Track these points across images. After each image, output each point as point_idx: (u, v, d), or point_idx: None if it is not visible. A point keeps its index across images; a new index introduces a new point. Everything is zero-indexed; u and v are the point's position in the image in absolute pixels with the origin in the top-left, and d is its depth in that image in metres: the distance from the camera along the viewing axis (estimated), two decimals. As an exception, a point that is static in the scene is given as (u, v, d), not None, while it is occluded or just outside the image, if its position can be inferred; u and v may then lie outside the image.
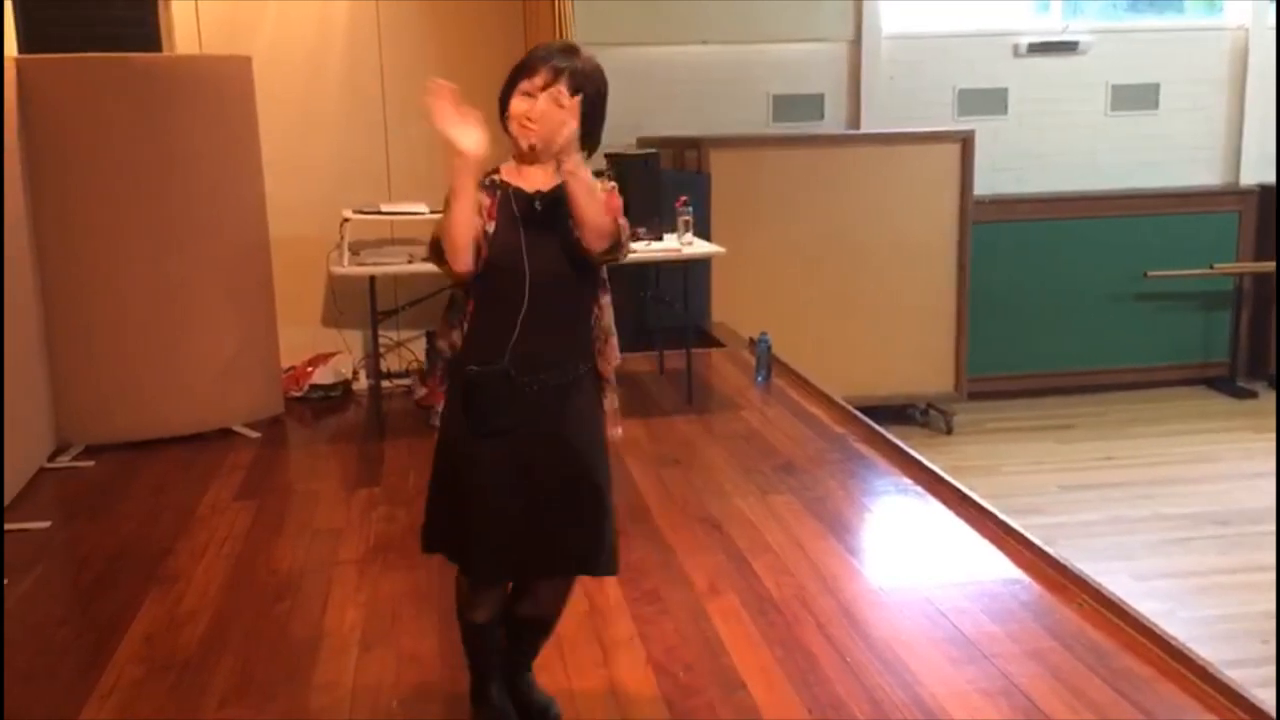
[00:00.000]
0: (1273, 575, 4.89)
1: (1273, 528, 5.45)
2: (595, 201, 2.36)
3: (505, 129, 2.48)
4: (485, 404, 2.43)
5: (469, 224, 2.35)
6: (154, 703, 2.90)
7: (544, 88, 2.39)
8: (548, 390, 2.44)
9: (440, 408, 2.58)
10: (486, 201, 2.43)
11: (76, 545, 4.03)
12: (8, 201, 4.51)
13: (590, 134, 2.43)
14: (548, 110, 2.38)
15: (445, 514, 2.53)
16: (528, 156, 2.45)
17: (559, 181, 2.39)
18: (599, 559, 2.56)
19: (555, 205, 2.41)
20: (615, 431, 2.62)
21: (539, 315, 2.41)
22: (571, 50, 2.47)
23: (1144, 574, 5.20)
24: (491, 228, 2.41)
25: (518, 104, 2.42)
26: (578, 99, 2.36)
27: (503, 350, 2.41)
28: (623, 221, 2.44)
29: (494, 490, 2.44)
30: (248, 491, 4.49)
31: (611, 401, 2.61)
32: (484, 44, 5.87)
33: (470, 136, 2.31)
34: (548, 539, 2.48)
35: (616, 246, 2.43)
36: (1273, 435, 6.85)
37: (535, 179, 2.47)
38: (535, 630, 2.71)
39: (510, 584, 2.62)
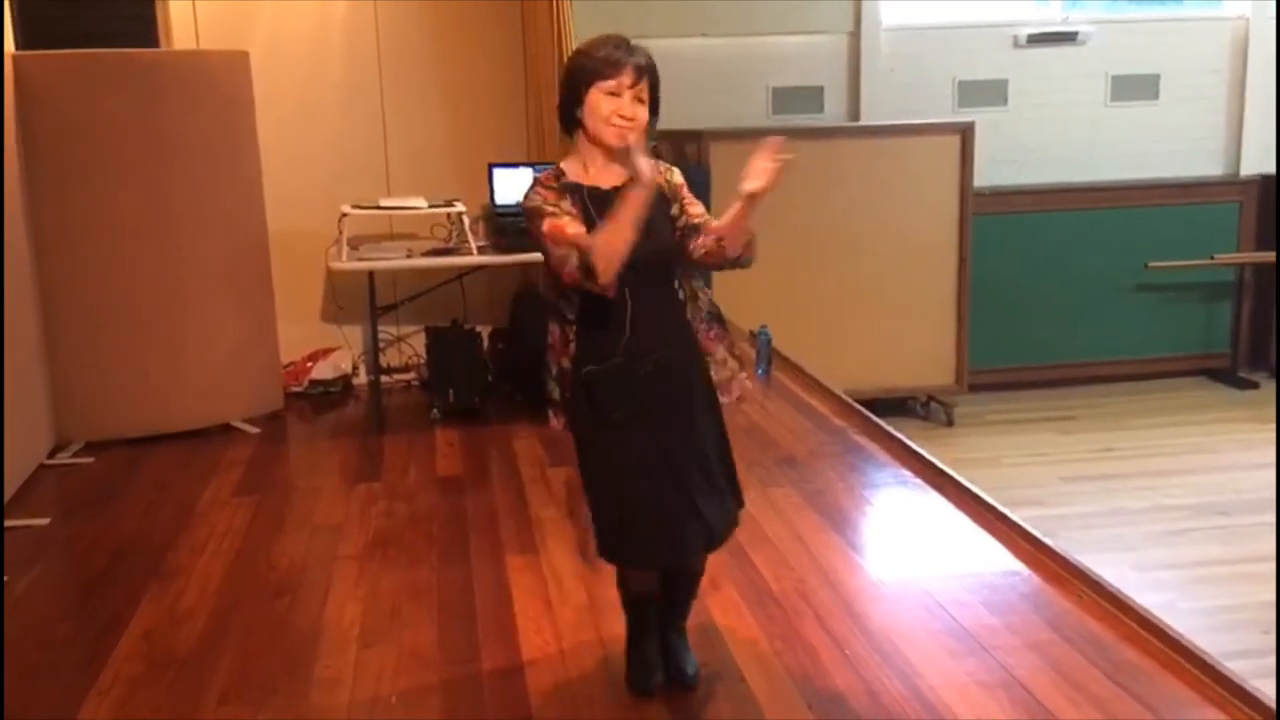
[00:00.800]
0: (1273, 565, 4.89)
1: (1273, 518, 5.44)
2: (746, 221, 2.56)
3: (568, 126, 2.59)
4: (605, 397, 2.53)
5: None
6: (153, 699, 2.90)
7: (631, 86, 2.49)
8: (658, 371, 2.56)
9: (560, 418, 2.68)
10: (570, 206, 2.51)
11: (76, 542, 4.04)
12: (7, 196, 4.51)
13: (652, 125, 2.58)
14: (639, 109, 2.50)
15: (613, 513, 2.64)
16: (609, 155, 2.54)
17: (628, 176, 2.44)
18: (734, 519, 2.75)
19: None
20: (745, 384, 2.80)
21: (642, 306, 2.55)
22: (633, 44, 2.56)
23: (1145, 565, 5.19)
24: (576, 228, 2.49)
25: (608, 103, 2.49)
26: (647, 87, 2.52)
27: (617, 345, 2.54)
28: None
29: (642, 476, 2.58)
30: (247, 487, 4.49)
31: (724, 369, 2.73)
32: (482, 38, 5.87)
33: (648, 166, 2.42)
34: (698, 515, 2.61)
35: (750, 246, 2.64)
36: (1274, 426, 6.84)
37: (610, 176, 2.56)
38: (688, 585, 2.86)
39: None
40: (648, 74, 2.52)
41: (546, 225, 2.48)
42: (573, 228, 2.46)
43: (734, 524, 2.76)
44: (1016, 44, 7.97)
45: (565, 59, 5.00)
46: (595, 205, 2.52)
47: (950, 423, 7.50)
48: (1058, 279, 7.96)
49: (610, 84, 2.48)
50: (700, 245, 2.60)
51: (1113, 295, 8.04)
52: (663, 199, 2.60)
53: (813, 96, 7.84)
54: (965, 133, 7.22)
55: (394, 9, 5.80)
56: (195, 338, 5.08)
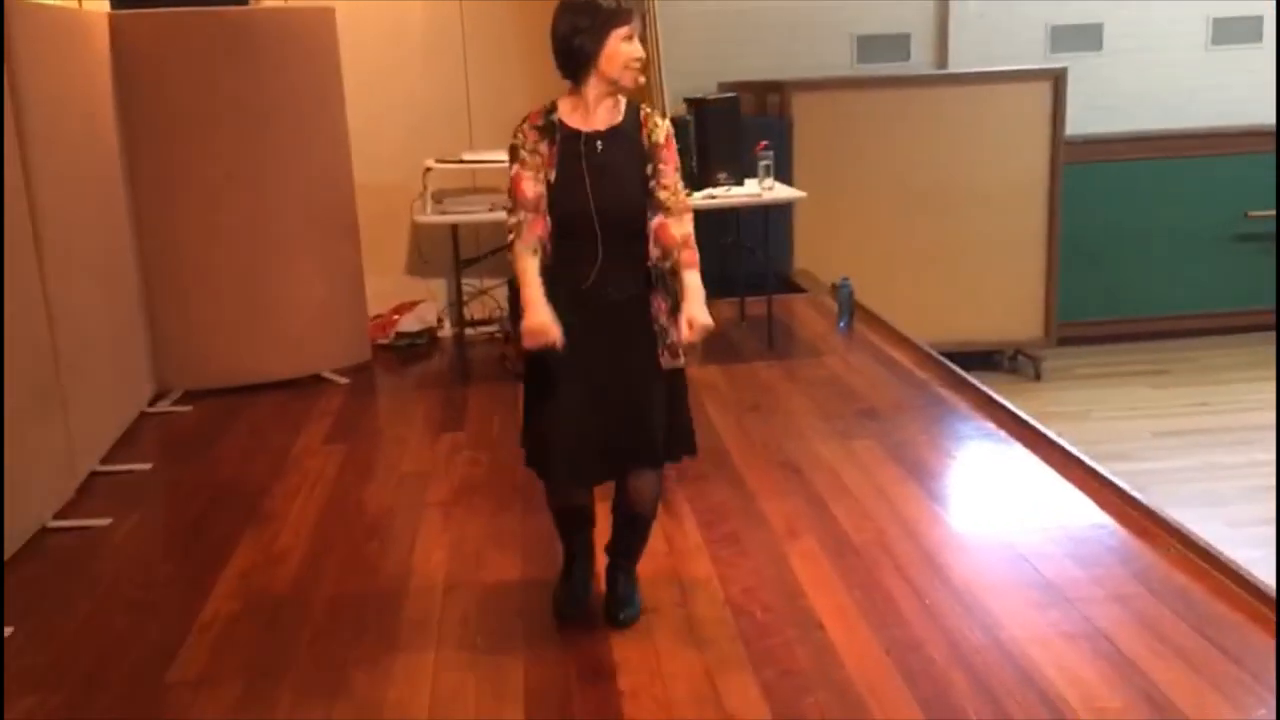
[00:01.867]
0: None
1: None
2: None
3: (581, 70, 2.71)
4: (560, 313, 2.71)
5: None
6: (251, 635, 3.02)
7: (637, 33, 2.69)
8: (610, 304, 2.75)
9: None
10: (545, 149, 2.72)
11: (176, 486, 4.19)
12: (105, 153, 4.65)
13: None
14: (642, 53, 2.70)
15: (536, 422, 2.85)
16: (605, 94, 2.73)
17: (617, 119, 2.73)
18: (653, 451, 2.83)
19: (613, 142, 2.74)
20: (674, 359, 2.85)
21: (610, 247, 2.72)
22: None
23: (1238, 520, 5.07)
24: (554, 175, 2.72)
25: (628, 48, 2.67)
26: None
27: (584, 278, 2.73)
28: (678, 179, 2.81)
29: (566, 398, 2.75)
30: (338, 435, 4.61)
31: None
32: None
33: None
34: (606, 447, 2.78)
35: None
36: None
37: (598, 118, 2.75)
38: (636, 524, 2.97)
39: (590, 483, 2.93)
40: (638, 20, 2.73)
41: (513, 171, 2.74)
42: (530, 188, 2.71)
43: (655, 461, 2.85)
44: (1112, -14, 7.73)
45: (647, 13, 4.93)
46: (566, 145, 2.72)
47: (1038, 376, 7.39)
48: (1152, 229, 7.75)
49: (625, 30, 2.66)
50: (652, 230, 2.77)
51: (1209, 245, 7.81)
52: (640, 153, 2.76)
53: (899, 44, 7.70)
54: (1058, 79, 7.03)
55: (476, -37, 5.82)
56: (286, 290, 5.20)
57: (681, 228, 2.77)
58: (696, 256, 2.77)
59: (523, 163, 2.72)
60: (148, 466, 4.31)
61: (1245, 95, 7.84)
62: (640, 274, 2.78)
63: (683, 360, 2.85)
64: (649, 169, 2.75)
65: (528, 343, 2.70)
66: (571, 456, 2.77)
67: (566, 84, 2.78)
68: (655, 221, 2.75)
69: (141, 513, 3.91)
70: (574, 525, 3.00)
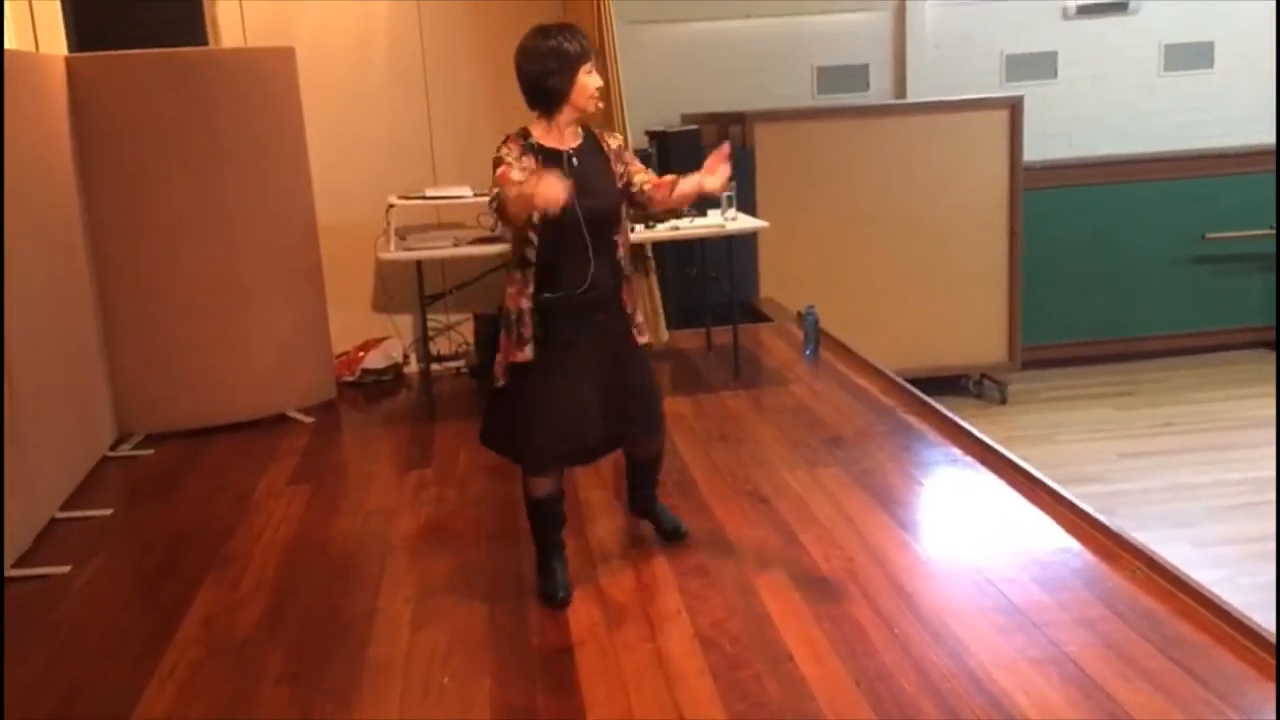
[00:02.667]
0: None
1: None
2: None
3: (555, 103, 3.12)
4: (556, 321, 3.12)
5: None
6: (213, 681, 2.97)
7: (594, 66, 3.14)
8: (597, 301, 3.16)
9: (508, 360, 3.20)
10: (530, 163, 3.06)
11: (138, 531, 4.13)
12: (62, 196, 4.62)
13: None
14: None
15: (509, 418, 3.22)
16: (575, 121, 3.17)
17: (579, 139, 3.19)
18: (660, 414, 3.41)
19: (585, 156, 3.17)
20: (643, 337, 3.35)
21: (598, 249, 3.13)
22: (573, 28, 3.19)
23: (1205, 541, 5.12)
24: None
25: (590, 80, 3.11)
26: None
27: (580, 283, 3.11)
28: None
29: (579, 383, 3.16)
30: (303, 475, 4.57)
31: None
32: (524, 26, 5.84)
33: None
34: (627, 404, 3.27)
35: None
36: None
37: (568, 139, 3.18)
38: (647, 465, 3.53)
39: (562, 471, 3.33)
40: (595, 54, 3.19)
41: (499, 170, 3.05)
42: (516, 175, 3.00)
43: (655, 430, 3.41)
44: (1065, 15, 7.87)
45: (606, 44, 5.02)
46: (549, 161, 3.08)
47: (1004, 400, 7.44)
48: (1112, 252, 7.85)
49: (587, 65, 3.11)
50: (649, 192, 3.26)
51: (1169, 268, 7.92)
52: (607, 163, 3.23)
53: (858, 75, 7.80)
54: (1014, 107, 7.13)
55: (436, 2, 5.83)
56: (250, 330, 5.17)
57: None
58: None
59: (509, 164, 3.06)
60: (108, 512, 4.25)
61: (1198, 119, 7.98)
62: (615, 270, 3.21)
63: (645, 337, 3.33)
64: (620, 171, 3.24)
65: (547, 203, 2.83)
66: (566, 442, 3.19)
67: (526, 116, 3.16)
68: (649, 191, 3.25)
69: (102, 559, 3.85)
70: (552, 518, 3.32)
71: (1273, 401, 7.04)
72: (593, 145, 3.23)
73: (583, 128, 3.22)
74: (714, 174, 3.14)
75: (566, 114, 3.13)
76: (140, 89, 4.85)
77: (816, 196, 7.03)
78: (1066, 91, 7.88)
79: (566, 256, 3.11)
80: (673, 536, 3.58)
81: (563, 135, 3.17)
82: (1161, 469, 6.09)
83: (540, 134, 3.15)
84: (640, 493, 3.63)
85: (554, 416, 3.16)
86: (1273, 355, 7.98)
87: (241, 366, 5.17)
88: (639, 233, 5.30)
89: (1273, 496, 5.53)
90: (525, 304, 3.13)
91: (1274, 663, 2.70)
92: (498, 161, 3.08)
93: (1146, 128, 7.97)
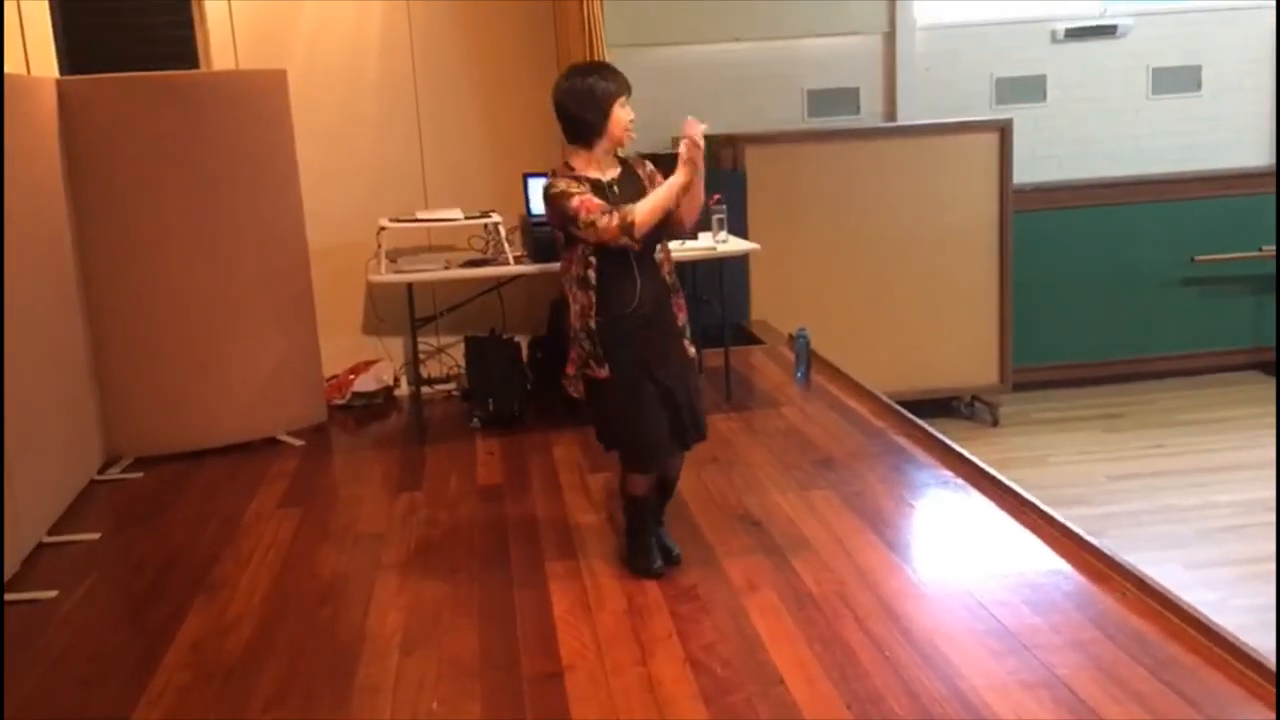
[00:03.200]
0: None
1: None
2: (702, 198, 3.43)
3: (593, 136, 3.38)
4: (617, 340, 3.39)
5: None
6: (201, 707, 2.95)
7: (628, 100, 3.39)
8: (647, 317, 3.41)
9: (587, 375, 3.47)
10: (592, 193, 3.33)
11: (126, 555, 4.11)
12: (52, 219, 4.61)
13: None
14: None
15: (617, 421, 3.48)
16: (609, 151, 3.43)
17: (617, 169, 3.47)
18: (704, 419, 3.59)
19: (624, 183, 3.44)
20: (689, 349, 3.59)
21: (644, 268, 3.41)
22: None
23: (1196, 563, 5.12)
24: (593, 209, 3.30)
25: (624, 113, 3.37)
26: None
27: (630, 302, 3.38)
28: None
29: (648, 391, 3.41)
30: (292, 499, 4.55)
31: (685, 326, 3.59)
32: (515, 50, 5.91)
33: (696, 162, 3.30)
34: (683, 410, 3.48)
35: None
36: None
37: (606, 169, 3.45)
38: (669, 488, 3.73)
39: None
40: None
41: (577, 201, 3.29)
42: (595, 201, 3.29)
43: (701, 437, 3.59)
44: (1054, 39, 7.92)
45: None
46: (597, 192, 3.35)
47: (995, 422, 7.44)
48: (1102, 275, 7.87)
49: (623, 98, 3.36)
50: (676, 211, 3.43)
51: (1159, 290, 7.94)
52: (641, 187, 3.44)
53: (848, 98, 7.83)
54: (1003, 129, 7.16)
55: (429, 25, 5.86)
56: (239, 353, 5.16)
57: None
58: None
59: (581, 193, 3.31)
60: (96, 536, 4.22)
61: (1186, 142, 8.03)
62: (662, 286, 3.47)
63: (693, 351, 3.57)
64: None
65: (694, 132, 3.23)
66: (662, 442, 3.47)
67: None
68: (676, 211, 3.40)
69: (90, 584, 3.83)
70: (649, 502, 3.60)
71: (1264, 423, 7.06)
72: (629, 172, 3.49)
73: (617, 157, 3.49)
74: (683, 164, 3.28)
75: (603, 146, 3.40)
76: (131, 111, 4.86)
77: (808, 219, 7.05)
78: (1056, 114, 7.93)
79: (618, 277, 3.38)
80: (666, 557, 3.62)
81: (601, 166, 3.43)
82: (1152, 491, 6.09)
83: (581, 165, 3.42)
84: (660, 510, 3.76)
85: (646, 423, 3.42)
86: (1263, 377, 8.01)
87: (231, 389, 5.15)
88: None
89: (1263, 519, 5.55)
90: (593, 323, 3.38)
91: (1270, 687, 2.69)
92: (564, 195, 3.31)
93: (1135, 150, 8.02)
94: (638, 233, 3.27)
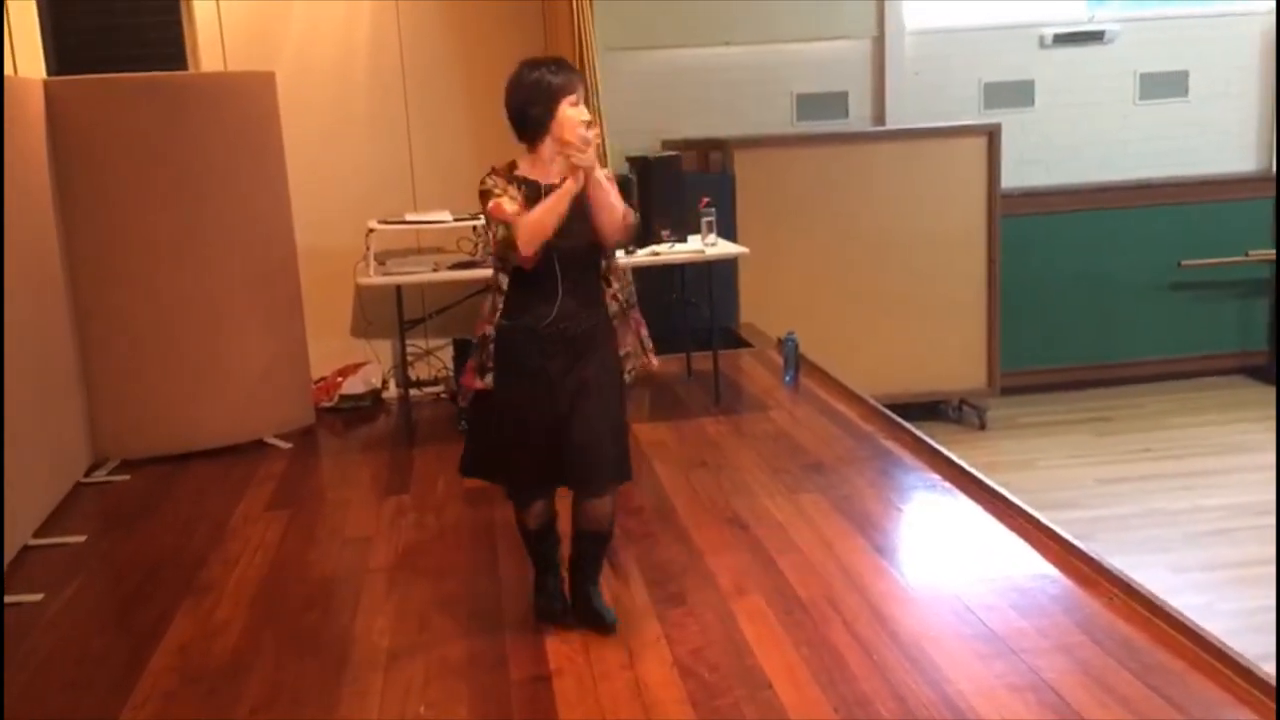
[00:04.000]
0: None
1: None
2: (614, 208, 3.03)
3: (538, 134, 3.07)
4: (516, 348, 3.06)
5: None
6: (187, 711, 2.94)
7: (581, 99, 3.05)
8: (566, 337, 3.05)
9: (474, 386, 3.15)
10: (515, 194, 3.04)
11: (112, 558, 4.09)
12: (40, 220, 4.59)
13: None
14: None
15: (484, 446, 3.17)
16: (557, 153, 3.04)
17: (561, 174, 3.01)
18: (602, 472, 3.10)
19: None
20: (651, 361, 3.30)
21: (570, 282, 3.05)
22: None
23: (1183, 566, 5.14)
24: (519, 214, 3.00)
25: (574, 112, 3.02)
26: None
27: (545, 316, 3.03)
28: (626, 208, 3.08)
29: (529, 418, 3.05)
30: (280, 501, 4.54)
31: (635, 342, 3.25)
32: (504, 53, 5.84)
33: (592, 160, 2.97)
34: (566, 453, 3.05)
35: (627, 234, 3.13)
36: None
37: (552, 172, 3.06)
38: (588, 541, 3.22)
39: (551, 496, 3.26)
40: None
41: (491, 204, 3.02)
42: (510, 207, 2.99)
43: (599, 481, 3.13)
44: (1042, 44, 7.94)
45: (587, 72, 5.07)
46: (529, 193, 3.04)
47: (983, 426, 7.46)
48: (1090, 279, 7.90)
49: (572, 98, 3.03)
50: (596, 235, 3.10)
51: (1146, 294, 7.97)
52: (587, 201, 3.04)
53: (837, 102, 7.84)
54: (992, 134, 7.18)
55: (418, 27, 5.86)
56: (227, 355, 5.15)
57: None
58: (624, 214, 3.07)
59: (499, 195, 3.02)
60: (82, 539, 4.20)
61: (1173, 148, 8.05)
62: (598, 308, 3.13)
63: (629, 378, 3.22)
64: None
65: (568, 130, 2.98)
66: (523, 478, 3.16)
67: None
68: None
69: (76, 587, 3.81)
70: (537, 539, 3.29)
71: (1251, 427, 7.10)
72: None
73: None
74: (569, 170, 2.99)
75: (549, 145, 3.05)
76: (119, 113, 4.84)
77: (796, 222, 7.06)
78: (1043, 119, 7.94)
79: (535, 289, 3.04)
80: (592, 619, 3.22)
81: (547, 168, 3.07)
82: (1139, 495, 6.11)
83: (526, 167, 3.11)
84: (574, 574, 3.28)
85: (515, 447, 3.09)
86: (1250, 381, 8.05)
87: (219, 392, 5.14)
88: (619, 258, 5.30)
89: (1250, 523, 5.57)
90: (489, 331, 3.10)
91: (1255, 691, 2.70)
92: (486, 194, 3.04)
93: (1122, 155, 8.04)
94: (522, 248, 2.93)
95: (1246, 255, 7.87)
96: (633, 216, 3.12)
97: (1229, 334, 8.11)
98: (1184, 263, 7.85)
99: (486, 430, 3.17)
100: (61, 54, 5.45)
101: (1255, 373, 8.10)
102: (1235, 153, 8.14)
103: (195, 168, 4.97)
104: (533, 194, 3.03)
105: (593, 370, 3.08)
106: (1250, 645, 2.96)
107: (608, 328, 3.15)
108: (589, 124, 3.01)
